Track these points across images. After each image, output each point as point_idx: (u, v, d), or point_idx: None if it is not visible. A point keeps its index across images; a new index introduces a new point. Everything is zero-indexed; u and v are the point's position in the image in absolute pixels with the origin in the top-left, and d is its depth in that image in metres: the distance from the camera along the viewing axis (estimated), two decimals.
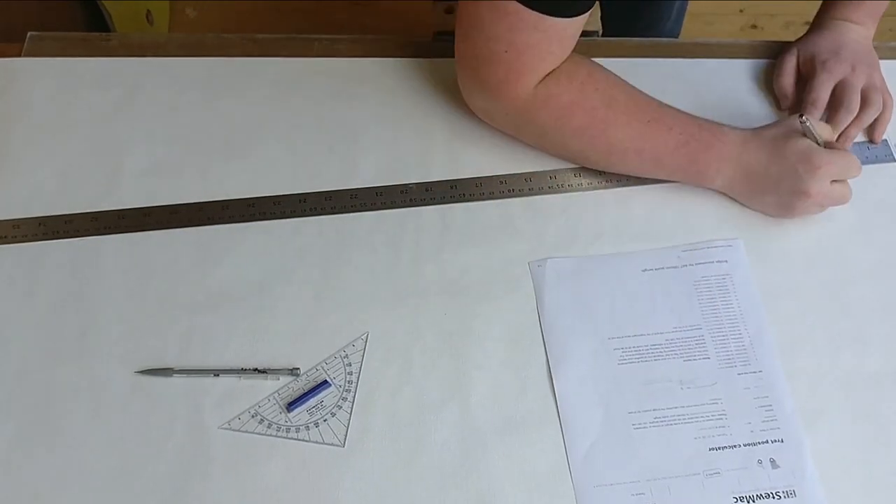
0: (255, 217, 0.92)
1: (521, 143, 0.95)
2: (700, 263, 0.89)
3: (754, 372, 0.84)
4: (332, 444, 0.80)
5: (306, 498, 0.78)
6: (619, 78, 0.91)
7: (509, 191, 0.94)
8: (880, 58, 1.01)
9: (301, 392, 0.82)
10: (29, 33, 1.04)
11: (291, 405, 0.81)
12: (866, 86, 0.96)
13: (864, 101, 0.95)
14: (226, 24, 2.02)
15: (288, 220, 0.91)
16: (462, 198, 0.93)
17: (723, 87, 1.02)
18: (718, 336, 0.86)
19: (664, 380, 0.83)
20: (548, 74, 0.87)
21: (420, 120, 0.97)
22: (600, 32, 1.08)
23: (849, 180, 0.89)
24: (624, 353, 0.85)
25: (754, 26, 2.18)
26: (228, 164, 0.95)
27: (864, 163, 0.94)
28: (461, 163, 0.96)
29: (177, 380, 0.83)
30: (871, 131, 0.98)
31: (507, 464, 0.79)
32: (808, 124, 0.85)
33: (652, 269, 0.89)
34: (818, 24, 1.01)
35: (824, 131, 0.89)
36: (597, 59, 1.01)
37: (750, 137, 0.89)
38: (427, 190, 0.94)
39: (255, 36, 1.04)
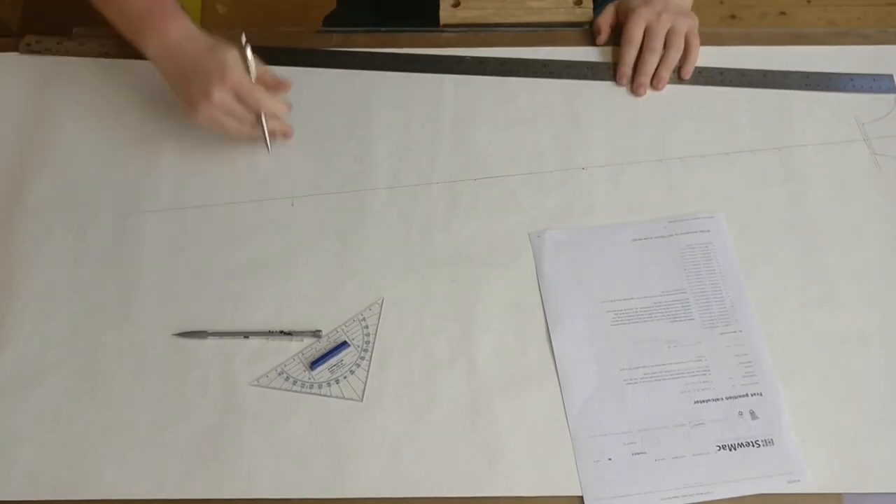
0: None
1: (521, 128, 0.94)
2: (685, 233, 0.88)
3: (735, 332, 0.83)
4: (351, 399, 0.80)
5: (328, 448, 0.78)
6: None
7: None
8: (871, 43, 1.01)
9: (323, 352, 0.81)
10: (74, 28, 1.02)
11: (314, 364, 0.81)
12: (669, 30, 0.95)
13: (667, 45, 0.96)
14: (253, 18, 2.01)
15: (310, 196, 0.90)
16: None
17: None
18: (702, 299, 0.85)
19: (653, 339, 0.83)
20: None
21: (430, 105, 0.96)
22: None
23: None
24: (616, 316, 0.84)
25: (733, 16, 2.15)
26: (256, 147, 0.93)
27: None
28: (467, 142, 0.94)
29: (210, 341, 0.82)
30: (679, 70, 0.98)
31: (511, 416, 0.79)
32: (246, 46, 0.83)
33: (641, 239, 0.88)
34: None
35: (265, 77, 0.87)
36: (590, 48, 1.00)
37: (195, 32, 0.87)
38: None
39: (279, 29, 1.03)
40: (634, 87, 0.96)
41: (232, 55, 0.84)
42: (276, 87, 0.89)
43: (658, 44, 0.95)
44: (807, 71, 0.99)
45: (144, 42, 0.88)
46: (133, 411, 0.79)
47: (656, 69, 0.96)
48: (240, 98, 0.84)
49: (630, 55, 0.96)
